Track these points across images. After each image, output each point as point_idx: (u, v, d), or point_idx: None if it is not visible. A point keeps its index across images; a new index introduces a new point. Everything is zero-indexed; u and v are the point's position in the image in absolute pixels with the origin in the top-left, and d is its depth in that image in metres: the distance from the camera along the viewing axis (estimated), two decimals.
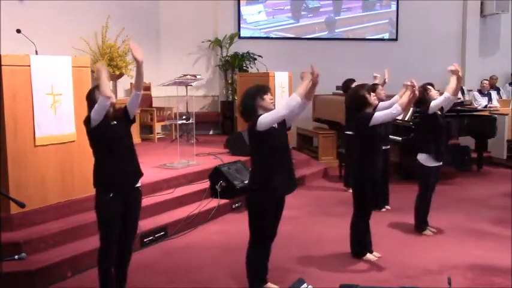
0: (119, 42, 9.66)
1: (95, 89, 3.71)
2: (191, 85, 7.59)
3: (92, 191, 3.87)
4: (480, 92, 10.96)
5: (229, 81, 11.44)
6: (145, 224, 5.18)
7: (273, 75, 8.61)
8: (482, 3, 12.65)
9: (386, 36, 12.57)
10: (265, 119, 3.68)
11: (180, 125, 7.71)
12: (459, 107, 8.69)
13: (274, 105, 3.87)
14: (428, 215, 5.60)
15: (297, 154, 9.37)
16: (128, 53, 9.21)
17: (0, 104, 4.54)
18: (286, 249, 4.90)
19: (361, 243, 4.83)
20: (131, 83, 9.89)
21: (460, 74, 5.26)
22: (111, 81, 9.19)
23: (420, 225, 5.57)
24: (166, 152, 8.23)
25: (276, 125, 3.77)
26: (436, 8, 12.39)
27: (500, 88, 12.14)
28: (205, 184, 6.55)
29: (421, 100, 5.29)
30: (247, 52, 11.28)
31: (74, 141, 5.13)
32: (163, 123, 10.16)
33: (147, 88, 10.07)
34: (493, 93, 11.07)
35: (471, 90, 11.69)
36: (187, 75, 7.41)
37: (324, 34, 12.25)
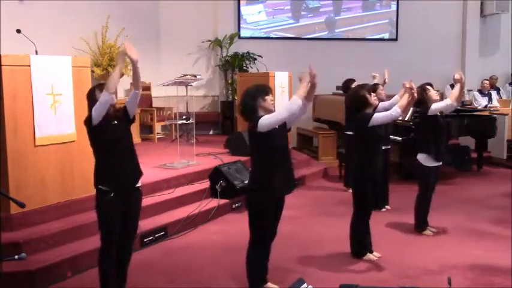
0: (119, 42, 9.66)
1: (95, 88, 3.71)
2: (191, 85, 7.59)
3: (92, 191, 3.87)
4: (480, 92, 10.96)
5: (229, 81, 11.44)
6: (145, 224, 5.18)
7: (273, 75, 8.61)
8: (482, 3, 12.65)
9: (386, 36, 12.57)
10: (266, 121, 3.68)
11: (180, 125, 7.71)
12: (459, 107, 8.68)
13: (275, 106, 3.87)
14: (428, 215, 5.60)
15: (297, 154, 9.37)
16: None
17: (0, 104, 4.55)
18: (286, 249, 4.90)
19: (361, 243, 4.83)
20: (131, 83, 9.87)
21: (463, 82, 5.31)
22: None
23: (420, 225, 5.57)
24: (166, 152, 8.23)
25: (276, 126, 3.77)
26: (436, 8, 12.39)
27: (500, 88, 12.14)
28: (205, 184, 6.55)
29: (420, 100, 5.29)
30: (247, 52, 11.28)
31: (74, 141, 5.13)
32: (163, 123, 10.16)
33: (147, 88, 10.07)
34: (493, 93, 11.07)
35: (471, 90, 11.69)
36: (187, 75, 7.41)
37: (324, 34, 12.25)
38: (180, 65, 10.54)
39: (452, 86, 11.74)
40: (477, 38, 12.69)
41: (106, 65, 9.52)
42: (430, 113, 5.31)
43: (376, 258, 4.81)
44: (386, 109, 4.98)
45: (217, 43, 11.36)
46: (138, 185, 3.88)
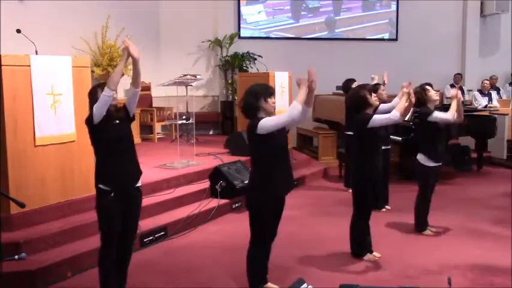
0: (119, 42, 9.66)
1: (97, 87, 3.70)
2: (191, 85, 7.59)
3: (92, 191, 3.87)
4: (481, 92, 10.96)
5: (229, 81, 11.44)
6: (145, 224, 5.18)
7: (273, 75, 8.61)
8: (482, 3, 12.65)
9: (386, 36, 12.57)
10: (266, 124, 3.68)
11: (180, 125, 7.70)
12: None
13: (275, 108, 3.87)
14: (428, 215, 5.61)
15: (297, 154, 9.37)
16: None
17: (0, 104, 4.55)
18: (286, 249, 4.90)
19: (361, 243, 4.83)
20: (131, 83, 9.87)
21: (459, 98, 5.34)
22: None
23: (420, 225, 5.57)
24: (166, 152, 8.23)
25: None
26: (436, 8, 12.39)
27: (500, 88, 12.14)
28: (205, 184, 6.55)
29: (420, 100, 5.29)
30: (247, 52, 11.28)
31: (74, 141, 5.13)
32: (163, 123, 10.16)
33: (147, 88, 10.07)
34: (493, 93, 11.08)
35: (471, 90, 11.69)
36: (187, 75, 7.40)
37: (324, 34, 12.25)
38: (180, 65, 10.55)
39: (452, 86, 11.79)
40: (477, 38, 12.69)
41: (106, 65, 9.52)
42: (430, 119, 5.30)
43: (376, 258, 4.81)
44: (387, 112, 4.97)
45: (217, 43, 11.36)
46: (138, 184, 3.88)
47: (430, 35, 12.33)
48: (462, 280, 4.33)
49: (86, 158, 5.10)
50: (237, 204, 6.50)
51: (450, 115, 5.28)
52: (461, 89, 11.85)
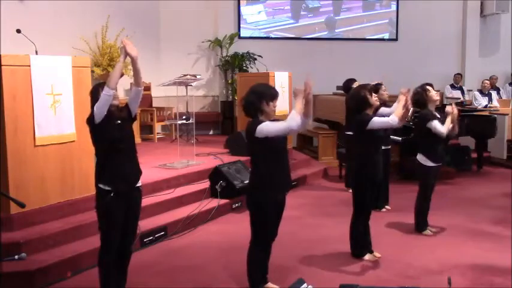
0: (119, 42, 9.66)
1: (99, 86, 3.69)
2: (191, 85, 7.59)
3: (92, 191, 3.86)
4: (481, 92, 10.96)
5: (229, 81, 11.45)
6: (145, 224, 5.18)
7: (273, 75, 8.61)
8: (482, 3, 12.65)
9: (386, 36, 12.57)
10: (264, 129, 3.68)
11: (180, 125, 7.70)
12: (459, 107, 8.68)
13: (275, 112, 3.87)
14: (428, 215, 5.60)
15: (297, 154, 9.37)
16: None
17: (0, 104, 4.54)
18: (286, 249, 4.90)
19: (361, 243, 4.83)
20: (131, 83, 9.87)
21: (454, 114, 5.33)
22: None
23: (420, 225, 5.57)
24: (166, 152, 8.23)
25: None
26: (436, 8, 12.39)
27: (500, 88, 12.14)
28: (205, 184, 6.55)
29: (420, 101, 5.29)
30: (247, 52, 11.29)
31: (74, 141, 5.13)
32: (163, 123, 10.16)
33: (147, 88, 10.07)
34: (493, 93, 11.07)
35: (471, 90, 11.69)
36: (187, 75, 7.40)
37: (324, 34, 12.25)
38: (180, 65, 10.55)
39: (452, 86, 11.79)
40: (477, 38, 12.69)
41: (106, 65, 9.52)
42: (428, 125, 5.30)
43: (376, 258, 4.81)
44: (387, 116, 4.95)
45: (217, 43, 11.36)
46: (138, 184, 3.87)
47: (430, 35, 12.34)
48: (462, 280, 4.33)
49: (86, 158, 5.10)
50: (237, 204, 6.50)
51: (445, 130, 5.29)
52: (461, 89, 11.87)
